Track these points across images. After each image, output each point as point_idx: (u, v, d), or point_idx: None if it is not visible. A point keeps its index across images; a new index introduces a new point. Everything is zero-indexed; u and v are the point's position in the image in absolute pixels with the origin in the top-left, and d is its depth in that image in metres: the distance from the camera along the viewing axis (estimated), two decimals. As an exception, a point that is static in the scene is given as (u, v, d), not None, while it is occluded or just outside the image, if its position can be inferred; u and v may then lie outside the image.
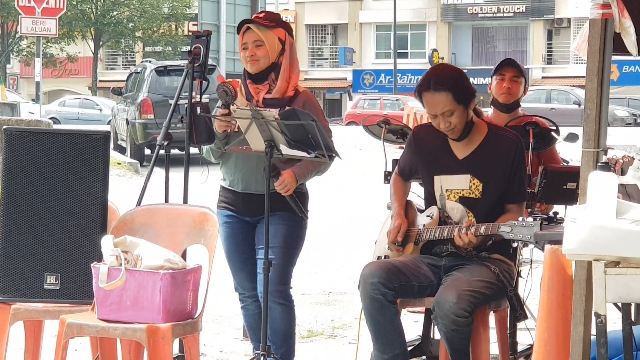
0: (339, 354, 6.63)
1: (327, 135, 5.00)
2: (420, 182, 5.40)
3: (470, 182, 5.01)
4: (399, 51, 52.15)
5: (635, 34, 4.15)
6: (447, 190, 5.05)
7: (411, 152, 5.23)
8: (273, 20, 5.29)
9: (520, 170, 5.05)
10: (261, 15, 5.35)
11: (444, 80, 4.92)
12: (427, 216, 5.11)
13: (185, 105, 5.70)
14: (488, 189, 5.00)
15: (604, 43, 4.26)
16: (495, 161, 5.01)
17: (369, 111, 36.66)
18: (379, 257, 5.26)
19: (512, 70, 6.19)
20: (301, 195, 5.27)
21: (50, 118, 38.67)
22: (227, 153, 5.32)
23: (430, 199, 5.16)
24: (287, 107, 5.14)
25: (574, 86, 40.04)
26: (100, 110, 41.85)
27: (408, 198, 5.34)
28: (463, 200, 5.02)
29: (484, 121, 5.13)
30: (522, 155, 5.08)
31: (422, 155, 5.17)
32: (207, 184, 5.88)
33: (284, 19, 5.51)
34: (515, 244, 4.79)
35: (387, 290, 4.83)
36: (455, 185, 5.04)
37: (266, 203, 4.96)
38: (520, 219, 4.77)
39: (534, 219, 4.76)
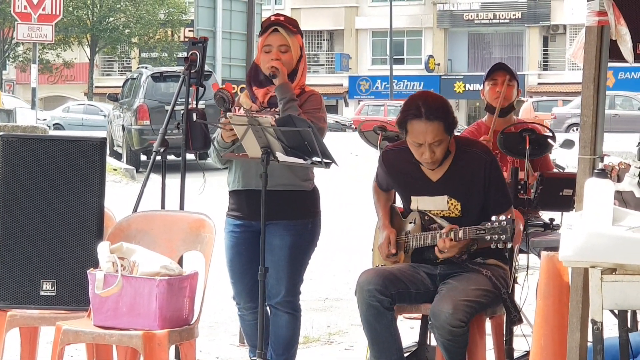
0: (335, 361, 6.63)
1: (322, 128, 4.97)
2: None
3: (449, 202, 4.96)
4: (395, 57, 52.16)
5: (631, 41, 4.15)
6: (427, 211, 5.00)
7: (384, 173, 5.20)
8: (295, 26, 5.24)
9: (497, 182, 4.97)
10: (282, 18, 5.26)
11: (436, 110, 4.80)
12: (410, 222, 5.09)
13: (182, 112, 5.70)
14: (467, 207, 4.95)
15: (600, 50, 4.27)
16: (469, 179, 4.94)
17: (373, 117, 36.46)
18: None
19: (504, 74, 6.19)
20: (311, 194, 5.23)
21: (55, 124, 38.84)
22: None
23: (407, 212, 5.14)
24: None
25: (568, 92, 39.95)
26: (104, 116, 41.90)
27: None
28: (445, 219, 4.98)
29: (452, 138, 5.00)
30: (495, 168, 4.98)
31: (395, 177, 5.14)
32: (204, 190, 5.88)
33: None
34: (493, 245, 4.76)
35: (383, 297, 4.83)
36: (434, 206, 4.99)
37: (262, 207, 4.92)
38: (493, 218, 4.73)
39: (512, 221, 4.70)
